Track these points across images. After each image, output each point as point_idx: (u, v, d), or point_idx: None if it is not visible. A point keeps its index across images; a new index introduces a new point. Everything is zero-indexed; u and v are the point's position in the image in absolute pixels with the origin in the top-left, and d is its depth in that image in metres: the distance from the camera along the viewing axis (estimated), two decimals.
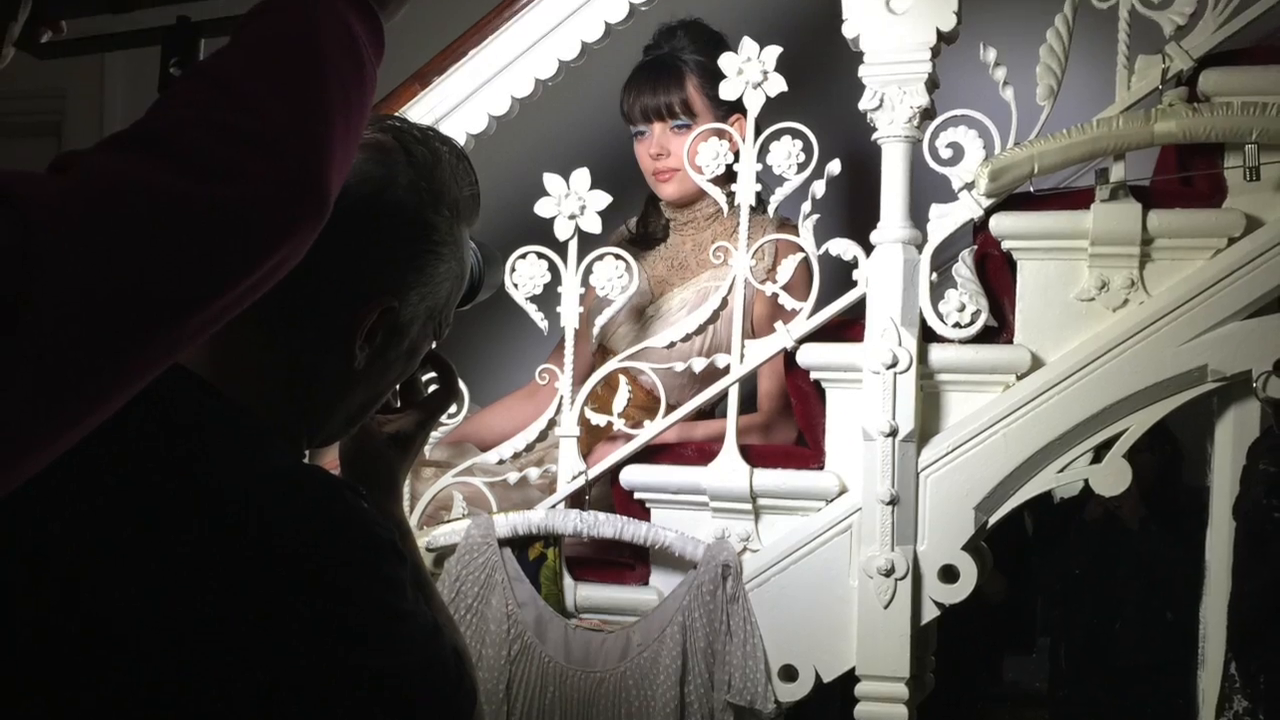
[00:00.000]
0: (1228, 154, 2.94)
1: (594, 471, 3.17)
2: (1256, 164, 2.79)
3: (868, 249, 3.01)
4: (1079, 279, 2.96)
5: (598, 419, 3.18)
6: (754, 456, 3.10)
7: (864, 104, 2.98)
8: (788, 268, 3.13)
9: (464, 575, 3.05)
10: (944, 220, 3.01)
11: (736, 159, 3.17)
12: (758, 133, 3.12)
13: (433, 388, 1.94)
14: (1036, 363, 2.95)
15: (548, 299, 3.21)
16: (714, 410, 3.38)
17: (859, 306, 3.03)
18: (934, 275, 3.00)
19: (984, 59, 3.02)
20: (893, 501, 2.91)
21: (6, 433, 1.15)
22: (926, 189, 3.04)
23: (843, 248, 3.05)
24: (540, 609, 3.06)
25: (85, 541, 1.44)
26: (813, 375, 3.10)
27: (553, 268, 3.20)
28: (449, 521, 3.21)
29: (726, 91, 3.13)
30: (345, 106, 1.37)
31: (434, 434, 3.26)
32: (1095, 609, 5.56)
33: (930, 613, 2.96)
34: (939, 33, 2.94)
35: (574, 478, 3.16)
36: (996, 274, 3.06)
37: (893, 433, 2.92)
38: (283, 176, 1.28)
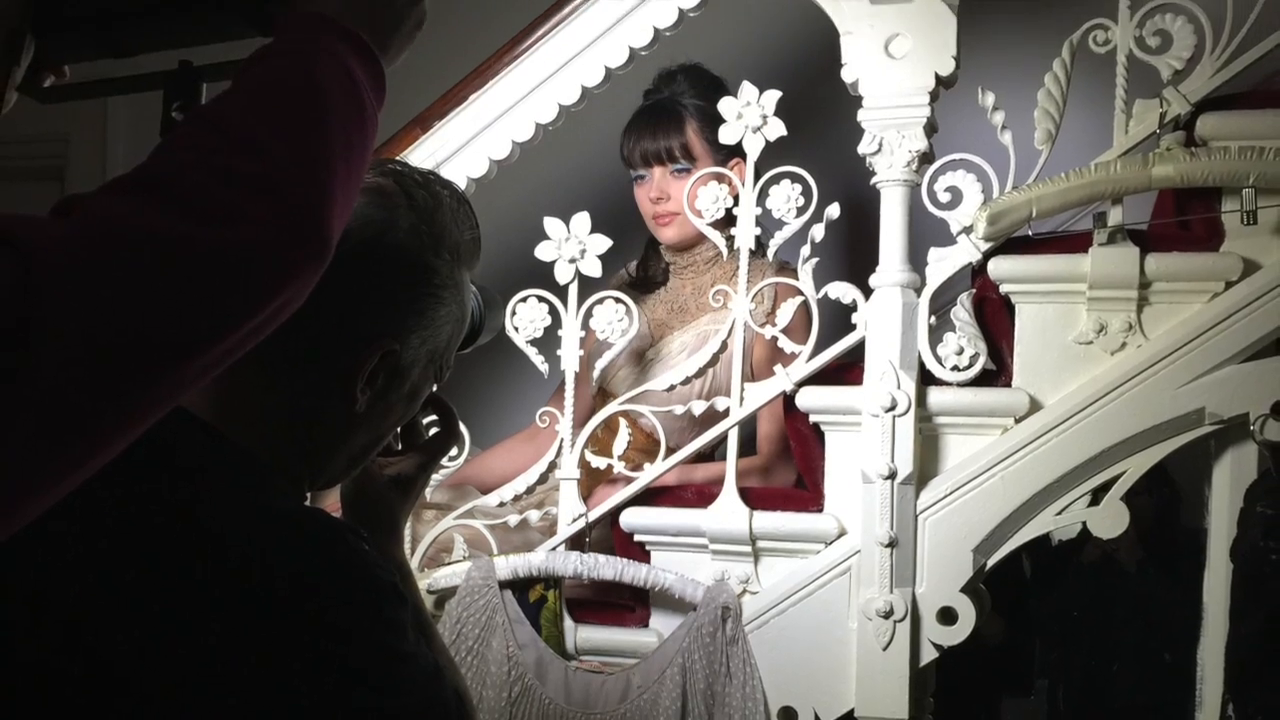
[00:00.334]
0: (1225, 198, 2.95)
1: (594, 514, 3.17)
2: (1254, 208, 2.80)
3: (867, 292, 3.02)
4: (1077, 322, 2.97)
5: (598, 461, 3.19)
6: (753, 499, 3.10)
7: (863, 148, 3.00)
8: (787, 311, 3.13)
9: (465, 617, 3.05)
10: (942, 264, 3.02)
11: (736, 203, 3.18)
12: (757, 176, 3.13)
13: (434, 430, 1.94)
14: (1035, 406, 2.96)
15: (548, 342, 3.22)
16: (714, 453, 3.38)
17: (858, 350, 3.04)
18: (933, 318, 3.01)
19: (982, 103, 3.03)
20: (891, 544, 2.92)
21: (9, 475, 1.15)
22: (925, 232, 3.06)
23: (842, 291, 3.05)
24: (541, 651, 3.06)
25: (87, 584, 1.44)
26: (812, 418, 3.11)
27: (553, 311, 3.21)
28: (450, 564, 3.21)
29: (726, 136, 3.14)
30: (347, 150, 1.37)
31: (435, 476, 3.27)
32: (1093, 651, 5.54)
33: (929, 654, 2.96)
34: (937, 77, 2.96)
35: (574, 520, 3.16)
36: (995, 317, 3.07)
37: (891, 475, 2.93)
38: (284, 220, 1.28)
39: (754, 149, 3.10)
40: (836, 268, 3.45)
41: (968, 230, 2.99)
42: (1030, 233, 3.04)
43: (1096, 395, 2.90)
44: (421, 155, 3.26)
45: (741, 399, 3.13)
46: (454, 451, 3.01)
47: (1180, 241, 2.99)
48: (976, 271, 3.08)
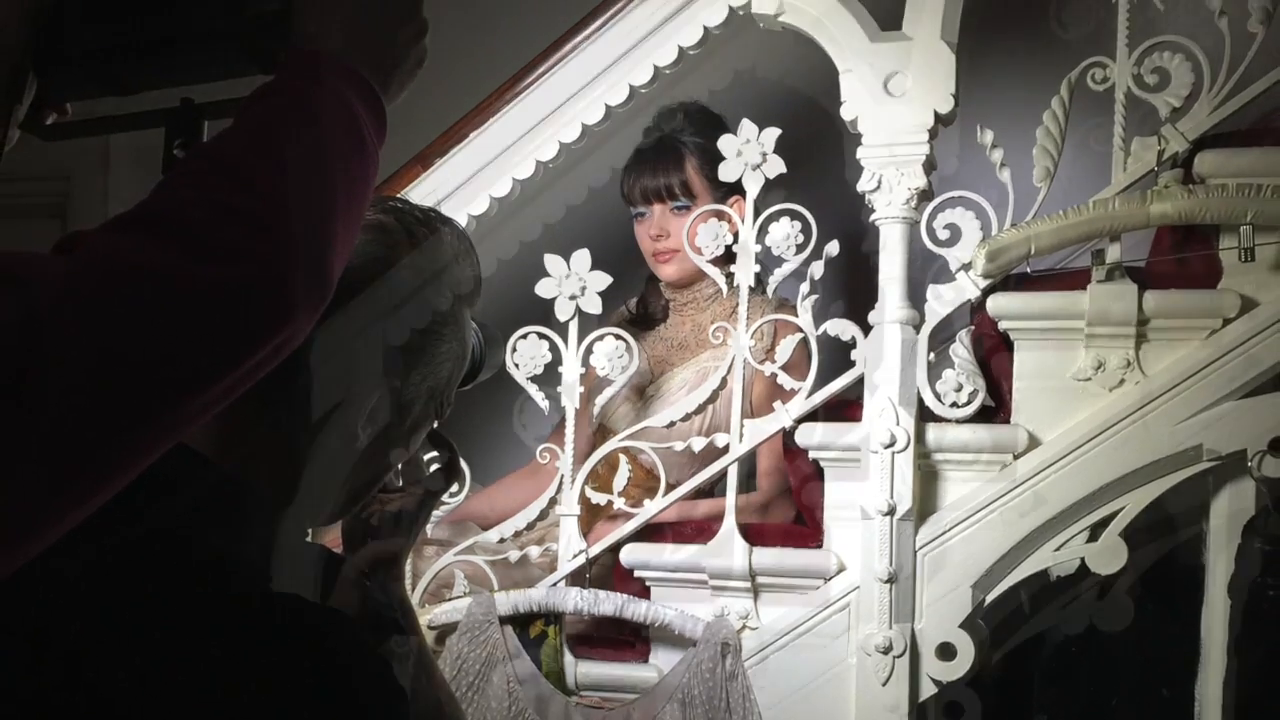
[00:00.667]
0: (1223, 235, 2.95)
1: (594, 550, 3.17)
2: (1251, 245, 2.81)
3: (866, 329, 3.03)
4: (1075, 359, 2.98)
5: (598, 498, 3.19)
6: (753, 535, 3.10)
7: (862, 185, 3.01)
8: (786, 348, 3.14)
9: (466, 653, 3.05)
10: (941, 301, 3.03)
11: (736, 240, 3.19)
12: (757, 214, 3.14)
13: (434, 467, 1.95)
14: (1033, 442, 2.96)
15: (549, 379, 3.22)
16: (713, 489, 3.38)
17: (857, 386, 3.05)
18: (932, 355, 3.01)
19: (981, 141, 3.05)
20: (890, 580, 2.92)
21: (11, 511, 1.16)
22: (924, 269, 3.06)
23: (841, 328, 3.06)
24: (541, 686, 3.06)
25: (88, 619, 1.45)
26: (811, 454, 3.11)
27: (553, 348, 3.21)
28: (451, 599, 3.21)
29: (726, 173, 3.15)
30: (348, 188, 1.37)
31: (436, 513, 3.26)
32: (1091, 686, 5.53)
33: (928, 690, 2.96)
34: (936, 115, 2.97)
35: (574, 556, 3.16)
36: (994, 354, 3.08)
37: (890, 511, 2.93)
38: (285, 258, 1.28)
39: (754, 186, 3.11)
40: (836, 304, 3.45)
41: (967, 267, 3.00)
42: (1029, 270, 3.04)
43: (1095, 432, 2.91)
44: (422, 192, 3.27)
45: (741, 435, 3.13)
46: (455, 488, 3.01)
47: (1178, 279, 3.00)
48: (975, 308, 3.09)
